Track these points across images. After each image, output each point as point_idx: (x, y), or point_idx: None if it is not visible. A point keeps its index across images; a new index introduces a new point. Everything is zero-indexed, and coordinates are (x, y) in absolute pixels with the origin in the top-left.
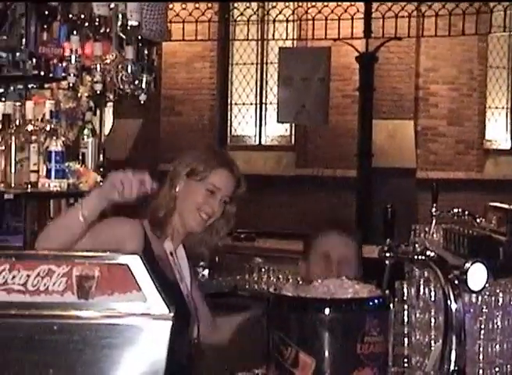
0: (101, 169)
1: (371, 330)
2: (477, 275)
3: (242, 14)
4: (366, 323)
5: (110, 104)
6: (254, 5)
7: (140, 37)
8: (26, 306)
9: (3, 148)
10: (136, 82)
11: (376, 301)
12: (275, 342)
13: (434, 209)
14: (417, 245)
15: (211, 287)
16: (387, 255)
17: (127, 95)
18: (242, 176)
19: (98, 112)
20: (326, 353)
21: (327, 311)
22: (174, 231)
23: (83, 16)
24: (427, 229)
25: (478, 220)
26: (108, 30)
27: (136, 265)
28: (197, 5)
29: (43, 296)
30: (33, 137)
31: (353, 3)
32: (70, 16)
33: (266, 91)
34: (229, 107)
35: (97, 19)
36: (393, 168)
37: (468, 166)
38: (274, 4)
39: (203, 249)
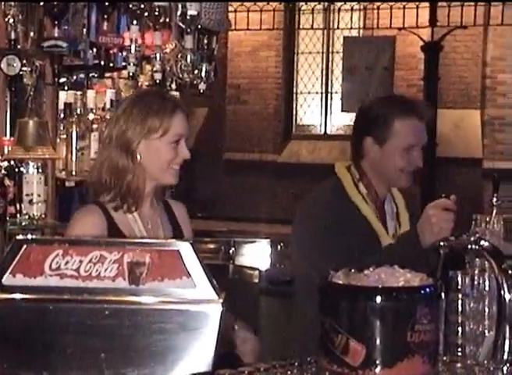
0: None
1: (421, 319)
2: None
3: (307, 3)
4: (417, 311)
5: (173, 93)
6: None
7: (199, 27)
8: (78, 291)
9: (64, 136)
10: (196, 71)
11: (427, 289)
12: (325, 329)
13: (495, 199)
14: (477, 235)
15: None
16: (441, 244)
17: (186, 84)
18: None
19: None
20: (377, 341)
21: (378, 299)
22: (146, 198)
23: (142, 6)
24: (488, 219)
25: None
26: (167, 20)
27: (187, 251)
28: None
29: (95, 281)
30: (94, 126)
31: None
32: (130, 5)
33: (332, 80)
34: (294, 96)
35: (157, 9)
36: (459, 158)
37: None
38: None
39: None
